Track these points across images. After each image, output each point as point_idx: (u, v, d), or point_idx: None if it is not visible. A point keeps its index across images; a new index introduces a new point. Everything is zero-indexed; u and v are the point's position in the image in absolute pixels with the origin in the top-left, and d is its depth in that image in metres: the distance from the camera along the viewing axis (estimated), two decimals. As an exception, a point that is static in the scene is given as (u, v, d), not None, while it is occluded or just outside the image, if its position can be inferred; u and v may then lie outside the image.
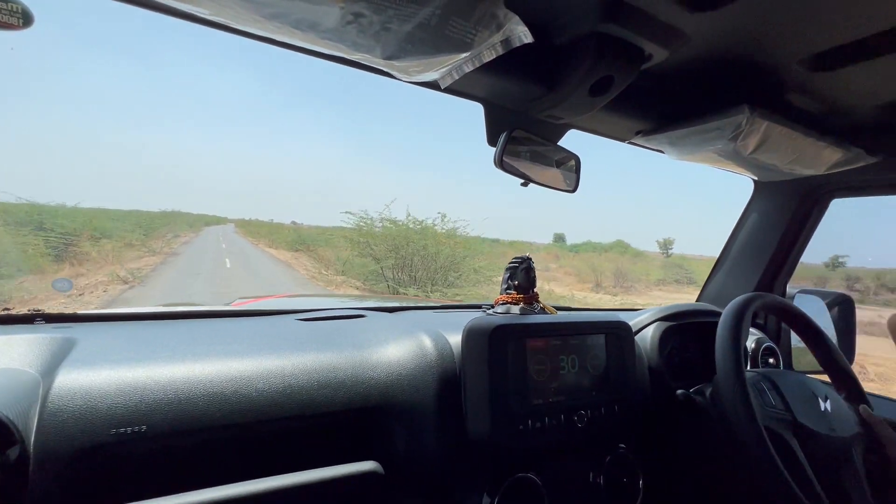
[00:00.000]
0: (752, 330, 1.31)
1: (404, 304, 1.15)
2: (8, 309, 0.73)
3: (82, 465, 0.53)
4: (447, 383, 0.73)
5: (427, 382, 0.72)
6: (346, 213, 10.03)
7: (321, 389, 0.68)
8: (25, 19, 0.57)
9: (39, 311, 0.75)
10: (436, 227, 9.88)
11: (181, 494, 0.54)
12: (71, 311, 0.78)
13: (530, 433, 0.72)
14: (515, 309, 0.89)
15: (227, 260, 18.00)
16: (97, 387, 0.57)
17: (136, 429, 0.55)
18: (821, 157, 0.99)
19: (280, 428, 0.64)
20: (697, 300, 1.49)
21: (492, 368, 0.71)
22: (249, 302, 1.43)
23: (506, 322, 0.74)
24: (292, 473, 0.61)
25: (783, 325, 1.39)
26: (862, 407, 0.89)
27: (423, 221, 9.87)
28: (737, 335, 0.80)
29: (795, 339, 1.38)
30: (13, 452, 0.48)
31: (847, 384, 0.92)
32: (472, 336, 0.74)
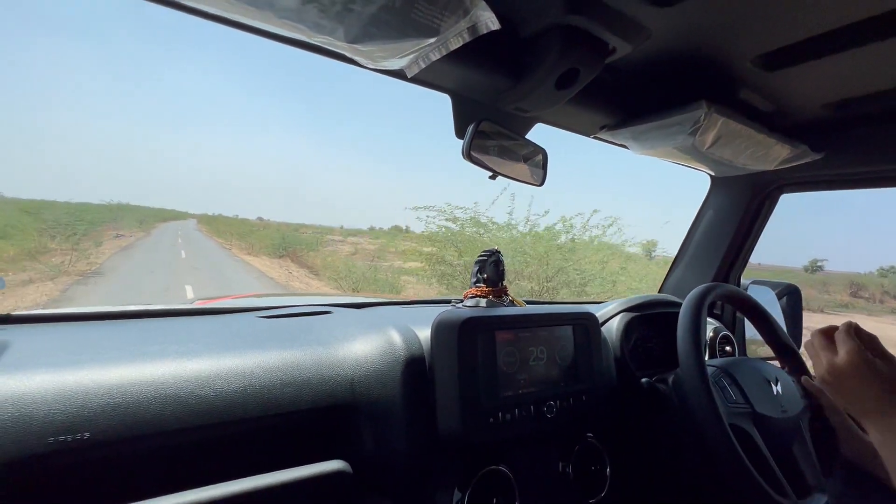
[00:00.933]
0: (709, 320, 1.36)
1: (372, 301, 1.13)
2: (-72, 311, 0.65)
3: (14, 479, 0.48)
4: (416, 378, 0.72)
5: (395, 378, 0.71)
6: (419, 208, 7.51)
7: (284, 388, 0.65)
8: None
9: None
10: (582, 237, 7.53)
11: None
12: (4, 312, 0.71)
13: (500, 426, 0.72)
14: (484, 302, 0.88)
15: (187, 288, 10.96)
16: (32, 393, 0.52)
17: (78, 436, 0.51)
18: (771, 153, 1.03)
19: (242, 429, 0.61)
20: (659, 292, 1.54)
21: (461, 361, 0.70)
22: (209, 302, 1.36)
23: (475, 315, 0.74)
24: (256, 476, 0.58)
25: (737, 314, 1.46)
26: (804, 378, 0.95)
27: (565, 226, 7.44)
28: (697, 326, 0.83)
29: (749, 330, 1.46)
30: None
31: (789, 359, 0.98)
32: (442, 329, 0.73)
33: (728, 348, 1.30)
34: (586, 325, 0.88)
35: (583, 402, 0.83)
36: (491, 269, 0.91)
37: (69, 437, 0.51)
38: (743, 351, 1.42)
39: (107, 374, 0.57)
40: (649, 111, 0.92)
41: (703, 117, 0.85)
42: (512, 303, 0.92)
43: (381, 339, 0.75)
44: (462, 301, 0.93)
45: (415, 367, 0.72)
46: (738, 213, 1.37)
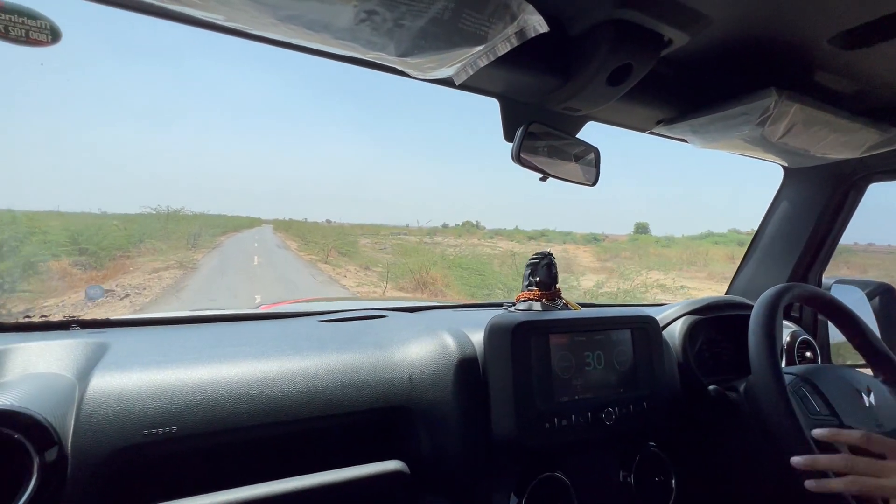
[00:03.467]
0: (786, 323, 1.26)
1: (424, 305, 1.15)
2: (45, 316, 0.76)
3: (117, 465, 0.54)
4: (470, 382, 0.72)
5: (449, 381, 0.72)
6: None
7: (344, 389, 0.68)
8: (54, 35, 0.60)
9: (75, 317, 0.77)
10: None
11: (211, 494, 0.55)
12: (103, 318, 0.81)
13: (556, 431, 0.71)
14: (537, 306, 0.87)
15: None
16: (129, 389, 0.58)
17: (168, 430, 0.56)
18: (855, 140, 0.94)
19: (305, 428, 0.65)
20: (727, 293, 1.44)
21: (515, 365, 0.70)
22: (273, 306, 1.45)
23: (528, 318, 0.73)
24: (319, 473, 0.61)
25: (819, 317, 1.33)
26: None
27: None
28: (770, 330, 0.77)
29: (835, 333, 1.32)
30: (52, 454, 0.50)
31: (885, 366, 0.87)
32: (495, 333, 0.73)
33: (808, 354, 1.19)
34: (646, 329, 0.84)
35: (644, 409, 0.80)
36: (543, 272, 0.90)
37: (160, 430, 0.56)
38: (827, 358, 1.29)
39: (190, 373, 0.62)
40: (711, 102, 0.87)
41: (772, 105, 0.79)
42: (566, 306, 0.91)
43: (434, 343, 0.77)
44: (514, 304, 0.92)
45: (468, 371, 0.73)
46: (817, 207, 1.26)
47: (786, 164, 1.23)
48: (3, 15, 0.56)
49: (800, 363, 1.16)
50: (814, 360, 1.19)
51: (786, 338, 1.18)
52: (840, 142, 0.94)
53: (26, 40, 0.58)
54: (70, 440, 0.53)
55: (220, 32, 0.61)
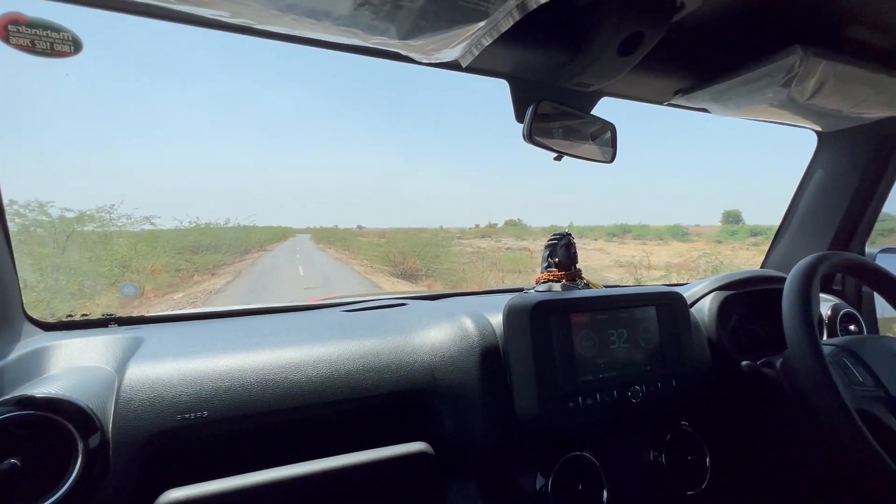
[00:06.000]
0: (827, 297, 1.19)
1: (445, 293, 1.15)
2: (86, 315, 0.81)
3: (154, 448, 0.57)
4: (491, 363, 0.72)
5: (470, 362, 0.72)
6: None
7: (367, 373, 0.69)
8: (76, 46, 0.63)
9: (112, 315, 0.82)
10: None
11: (242, 476, 0.57)
12: (138, 314, 0.85)
13: (581, 410, 0.70)
14: (557, 286, 0.86)
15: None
16: (163, 378, 0.61)
17: (199, 414, 0.59)
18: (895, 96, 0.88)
19: (330, 411, 0.66)
20: (762, 267, 1.38)
21: (535, 345, 0.69)
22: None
23: (547, 298, 0.72)
24: (345, 455, 0.63)
25: (864, 290, 1.26)
26: None
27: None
28: (806, 297, 0.73)
29: (883, 308, 1.25)
30: (95, 439, 0.53)
31: None
32: (513, 314, 0.72)
33: (853, 328, 1.13)
34: (672, 305, 0.82)
35: (672, 387, 0.77)
36: (562, 253, 0.88)
37: (192, 415, 0.59)
38: (874, 331, 1.22)
39: (218, 362, 0.65)
40: (731, 67, 0.83)
41: (797, 64, 0.75)
42: (587, 286, 0.89)
43: (454, 326, 0.77)
44: (534, 288, 0.91)
45: (488, 352, 0.73)
46: (856, 172, 1.18)
47: (819, 129, 1.16)
48: (28, 29, 0.60)
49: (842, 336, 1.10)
50: (859, 334, 1.12)
51: (826, 311, 1.12)
52: (877, 100, 0.88)
53: (51, 52, 0.61)
54: (111, 426, 0.56)
55: (227, 31, 0.62)
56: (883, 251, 1.26)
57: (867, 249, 1.27)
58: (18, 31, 0.59)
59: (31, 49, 0.60)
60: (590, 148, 1.00)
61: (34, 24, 0.60)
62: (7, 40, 0.59)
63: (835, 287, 1.27)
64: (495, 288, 1.23)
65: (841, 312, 1.12)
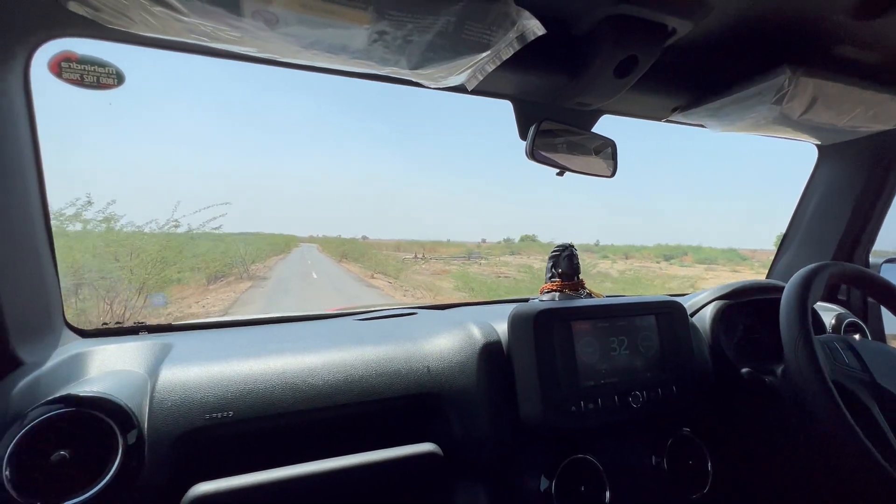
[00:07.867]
0: (832, 307, 1.21)
1: (454, 303, 1.19)
2: (119, 322, 0.87)
3: (183, 445, 0.62)
4: (496, 368, 0.76)
5: (475, 367, 0.76)
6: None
7: (379, 377, 0.73)
8: (119, 79, 0.70)
9: (143, 323, 0.88)
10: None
11: (264, 472, 0.61)
12: (167, 323, 0.91)
13: (583, 414, 0.73)
14: (559, 296, 0.90)
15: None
16: (192, 381, 0.66)
17: (225, 414, 0.64)
18: (887, 111, 0.91)
19: (345, 413, 0.71)
20: (767, 277, 1.40)
21: (539, 352, 0.73)
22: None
23: (549, 306, 0.76)
24: (359, 454, 0.67)
25: (870, 301, 1.27)
26: None
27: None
28: (802, 303, 0.75)
29: (891, 322, 1.25)
30: (133, 435, 0.58)
31: None
32: (517, 322, 0.76)
33: (857, 336, 1.14)
34: (671, 314, 0.85)
35: (672, 393, 0.80)
36: (565, 263, 0.92)
37: (219, 415, 0.64)
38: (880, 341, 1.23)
39: (242, 366, 0.70)
40: (724, 85, 0.87)
41: (786, 83, 0.79)
42: (590, 295, 0.93)
43: (461, 334, 0.81)
44: (538, 297, 0.95)
45: (493, 358, 0.77)
46: (858, 183, 1.21)
47: (818, 142, 1.19)
48: (78, 65, 0.67)
49: None
50: None
51: (830, 321, 1.13)
52: (869, 114, 0.91)
53: (98, 85, 0.68)
54: (146, 424, 0.61)
55: (254, 63, 0.69)
56: (888, 261, 1.27)
57: (871, 259, 1.28)
58: (70, 67, 0.66)
59: (80, 83, 0.68)
60: (592, 163, 1.05)
61: (83, 61, 0.67)
62: (60, 75, 0.66)
63: (840, 297, 1.29)
64: (502, 298, 1.27)
65: (845, 322, 1.13)
